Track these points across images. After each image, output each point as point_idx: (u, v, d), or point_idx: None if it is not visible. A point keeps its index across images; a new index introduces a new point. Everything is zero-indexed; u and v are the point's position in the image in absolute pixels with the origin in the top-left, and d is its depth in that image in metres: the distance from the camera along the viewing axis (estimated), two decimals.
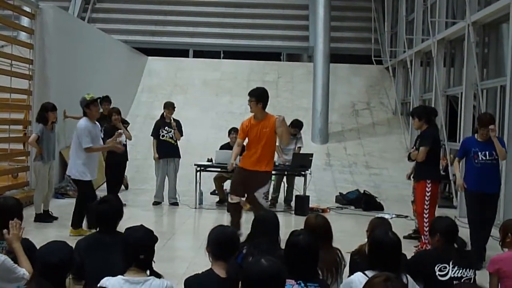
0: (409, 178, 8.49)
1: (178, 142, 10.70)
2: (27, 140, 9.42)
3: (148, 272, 3.47)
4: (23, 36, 13.94)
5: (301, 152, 10.99)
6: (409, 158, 7.89)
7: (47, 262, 3.25)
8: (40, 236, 7.13)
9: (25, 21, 13.53)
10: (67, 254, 3.33)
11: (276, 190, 11.03)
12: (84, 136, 7.76)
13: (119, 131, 9.73)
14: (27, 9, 11.05)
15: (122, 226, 4.01)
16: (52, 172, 9.00)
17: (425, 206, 7.31)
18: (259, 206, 7.52)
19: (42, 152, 8.59)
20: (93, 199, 7.50)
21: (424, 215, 7.31)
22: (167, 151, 10.60)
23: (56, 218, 8.80)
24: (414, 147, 7.65)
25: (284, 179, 10.99)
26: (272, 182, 10.96)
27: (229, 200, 7.78)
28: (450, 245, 4.25)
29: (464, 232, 6.06)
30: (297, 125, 11.04)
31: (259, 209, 7.49)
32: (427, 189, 7.32)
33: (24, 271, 3.68)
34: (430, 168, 7.42)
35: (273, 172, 10.65)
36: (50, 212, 8.81)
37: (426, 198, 7.31)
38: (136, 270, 3.41)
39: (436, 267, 4.15)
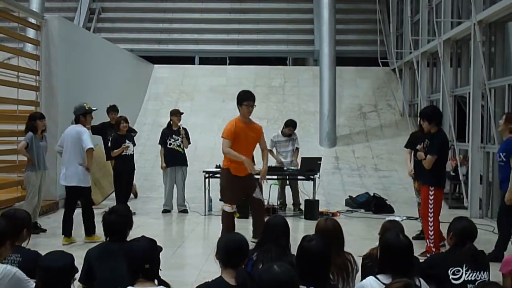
0: (411, 176, 8.63)
1: (185, 150, 10.69)
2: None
3: (156, 281, 3.44)
4: (29, 47, 14.01)
5: (308, 156, 10.89)
6: (416, 157, 7.79)
7: (50, 268, 3.25)
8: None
9: (31, 33, 13.57)
10: (69, 260, 3.34)
11: (282, 194, 10.97)
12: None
13: (126, 144, 9.76)
14: (33, 20, 11.08)
15: (132, 235, 4.00)
16: (44, 182, 8.78)
17: (429, 210, 7.21)
18: (259, 203, 7.56)
19: (33, 161, 8.42)
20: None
21: (429, 218, 7.20)
22: (174, 160, 10.58)
23: (44, 231, 8.53)
24: (424, 147, 7.44)
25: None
26: (277, 187, 10.95)
27: (227, 210, 7.48)
28: (462, 247, 4.19)
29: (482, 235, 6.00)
30: (291, 124, 10.75)
31: (258, 207, 7.53)
32: (430, 193, 7.21)
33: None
34: (434, 175, 7.21)
35: (276, 177, 10.63)
36: (38, 225, 8.56)
37: (430, 203, 7.19)
38: (144, 281, 3.38)
39: (449, 271, 4.10)
